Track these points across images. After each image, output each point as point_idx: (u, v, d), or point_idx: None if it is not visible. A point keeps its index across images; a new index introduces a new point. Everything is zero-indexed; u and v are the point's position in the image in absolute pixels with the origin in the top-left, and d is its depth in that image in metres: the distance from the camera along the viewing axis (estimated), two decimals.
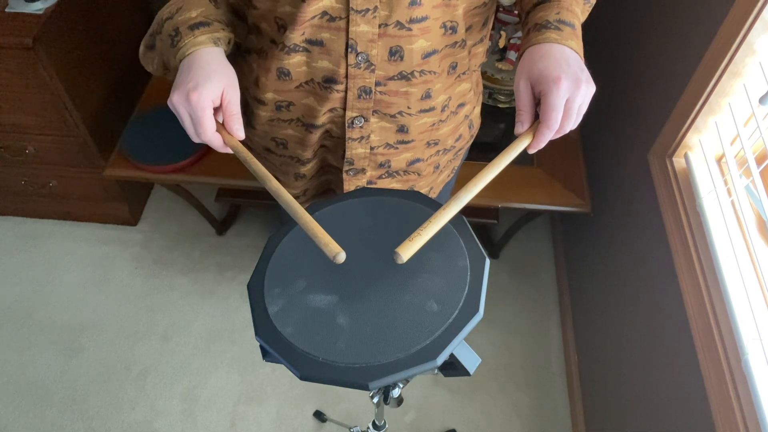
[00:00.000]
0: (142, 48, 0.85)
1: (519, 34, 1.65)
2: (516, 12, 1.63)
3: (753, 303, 0.95)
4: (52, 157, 1.83)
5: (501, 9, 1.62)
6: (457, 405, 1.70)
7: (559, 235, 2.01)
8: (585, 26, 0.77)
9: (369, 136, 0.88)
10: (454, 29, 0.80)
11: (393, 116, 0.86)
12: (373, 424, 1.18)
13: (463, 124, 0.98)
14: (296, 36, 0.77)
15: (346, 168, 0.93)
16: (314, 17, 0.75)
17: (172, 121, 0.74)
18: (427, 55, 0.80)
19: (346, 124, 0.86)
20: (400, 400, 0.84)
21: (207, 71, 0.71)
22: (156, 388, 1.74)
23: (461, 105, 0.94)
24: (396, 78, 0.81)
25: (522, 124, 0.69)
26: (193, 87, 0.69)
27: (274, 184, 0.67)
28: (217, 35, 0.76)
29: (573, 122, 0.68)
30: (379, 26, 0.75)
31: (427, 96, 0.85)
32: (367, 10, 0.74)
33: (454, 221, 0.64)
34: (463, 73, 0.89)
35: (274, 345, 0.58)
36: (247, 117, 0.94)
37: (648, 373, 1.23)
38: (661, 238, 1.20)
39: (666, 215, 1.15)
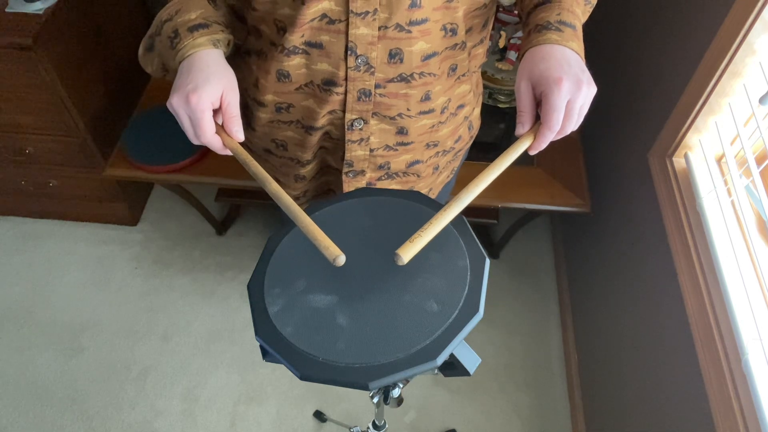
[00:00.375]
0: (141, 50, 0.84)
1: (519, 33, 1.64)
2: (516, 12, 1.63)
3: (753, 303, 0.95)
4: (52, 157, 1.83)
5: (501, 9, 1.62)
6: (457, 405, 1.70)
7: (559, 235, 2.01)
8: (585, 26, 0.77)
9: (368, 138, 0.88)
10: (454, 31, 0.80)
11: (392, 118, 0.86)
12: (373, 424, 1.18)
13: (462, 126, 0.98)
14: (296, 38, 0.77)
15: (345, 170, 0.93)
16: (313, 20, 0.75)
17: (172, 121, 0.74)
18: (426, 58, 0.80)
19: (346, 126, 0.86)
20: (400, 400, 0.84)
21: (206, 73, 0.71)
22: (156, 388, 1.74)
23: (461, 106, 0.94)
24: (396, 80, 0.81)
25: (523, 126, 0.69)
26: (193, 89, 0.69)
27: (273, 187, 0.67)
28: (216, 37, 0.76)
29: (574, 123, 0.68)
30: (379, 29, 0.75)
31: (427, 98, 0.85)
32: (367, 12, 0.73)
33: (454, 221, 0.64)
34: (463, 75, 0.89)
35: (274, 345, 0.58)
36: (246, 118, 0.93)
37: (648, 373, 1.23)
38: (661, 238, 1.20)
39: (666, 215, 1.15)
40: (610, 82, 1.57)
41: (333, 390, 1.72)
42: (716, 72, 1.02)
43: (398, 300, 0.59)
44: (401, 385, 0.81)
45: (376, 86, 0.81)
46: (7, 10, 1.52)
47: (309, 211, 0.68)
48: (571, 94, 0.66)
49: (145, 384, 1.74)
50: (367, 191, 0.72)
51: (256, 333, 0.59)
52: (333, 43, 0.77)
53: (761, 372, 0.88)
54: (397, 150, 0.92)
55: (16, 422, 1.68)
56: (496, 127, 1.69)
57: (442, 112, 0.90)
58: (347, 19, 0.74)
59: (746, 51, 0.97)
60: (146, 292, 1.95)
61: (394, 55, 0.78)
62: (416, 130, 0.89)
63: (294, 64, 0.80)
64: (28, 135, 1.75)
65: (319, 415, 1.66)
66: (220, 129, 0.73)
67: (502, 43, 1.71)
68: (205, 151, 1.69)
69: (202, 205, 1.97)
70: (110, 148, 1.80)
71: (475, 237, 0.64)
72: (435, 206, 0.67)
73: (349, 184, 0.97)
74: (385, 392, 0.81)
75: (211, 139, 0.71)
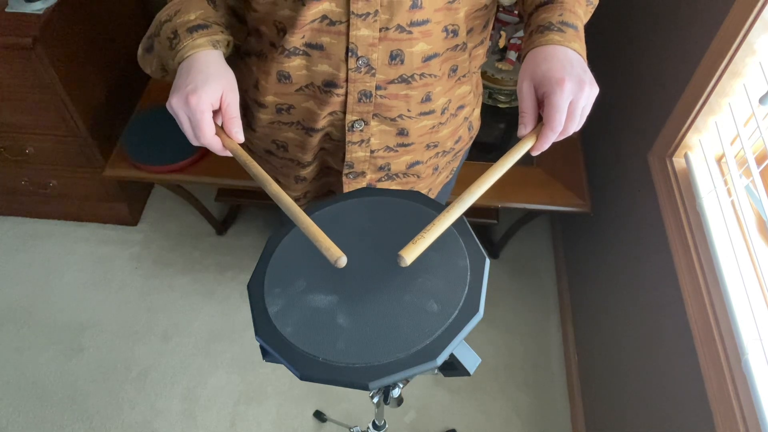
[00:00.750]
0: (140, 50, 0.84)
1: (519, 34, 1.64)
2: (516, 12, 1.63)
3: (753, 303, 0.95)
4: (52, 157, 1.83)
5: (501, 9, 1.62)
6: (457, 405, 1.70)
7: (559, 235, 2.01)
8: (586, 27, 0.77)
9: (369, 140, 0.88)
10: (455, 32, 0.80)
11: (393, 119, 0.86)
12: (373, 424, 1.18)
13: (462, 126, 0.98)
14: (296, 39, 0.77)
15: (346, 171, 0.93)
16: (314, 21, 0.74)
17: (172, 121, 0.74)
18: (427, 59, 0.80)
19: (346, 128, 0.86)
20: (400, 400, 0.84)
21: (206, 74, 0.71)
22: (156, 388, 1.74)
23: (461, 107, 0.94)
24: (396, 81, 0.81)
25: (525, 126, 0.69)
26: (192, 90, 0.69)
27: (273, 188, 0.66)
28: (216, 38, 0.76)
29: (576, 124, 0.68)
30: (380, 30, 0.75)
31: (427, 99, 0.85)
32: (368, 14, 0.73)
33: (454, 221, 0.64)
34: (464, 76, 0.89)
35: (274, 345, 0.58)
36: (247, 120, 0.93)
37: (648, 373, 1.23)
38: (661, 238, 1.20)
39: (666, 215, 1.15)
40: (611, 82, 1.57)
41: (333, 390, 1.72)
42: (716, 72, 1.02)
43: (398, 300, 0.59)
44: (401, 385, 0.81)
45: (377, 87, 0.81)
46: (7, 10, 1.52)
47: (309, 211, 0.68)
48: (574, 94, 0.66)
49: (145, 384, 1.74)
50: (367, 191, 0.72)
51: (256, 333, 0.59)
52: (333, 44, 0.76)
53: (761, 372, 0.88)
54: (397, 151, 0.92)
55: (16, 422, 1.68)
56: (496, 127, 1.69)
57: (443, 113, 0.90)
58: (348, 21, 0.74)
59: (746, 51, 0.97)
60: (146, 292, 1.95)
61: (395, 57, 0.78)
62: (416, 131, 0.89)
63: (294, 65, 0.80)
64: (28, 135, 1.75)
65: (319, 415, 1.66)
66: (220, 130, 0.73)
67: (502, 44, 1.71)
68: (204, 152, 1.69)
69: (202, 205, 1.97)
70: (110, 148, 1.80)
71: (475, 237, 0.64)
72: (435, 206, 0.67)
73: (350, 186, 0.96)
74: (385, 392, 0.81)
75: (211, 141, 0.71)
